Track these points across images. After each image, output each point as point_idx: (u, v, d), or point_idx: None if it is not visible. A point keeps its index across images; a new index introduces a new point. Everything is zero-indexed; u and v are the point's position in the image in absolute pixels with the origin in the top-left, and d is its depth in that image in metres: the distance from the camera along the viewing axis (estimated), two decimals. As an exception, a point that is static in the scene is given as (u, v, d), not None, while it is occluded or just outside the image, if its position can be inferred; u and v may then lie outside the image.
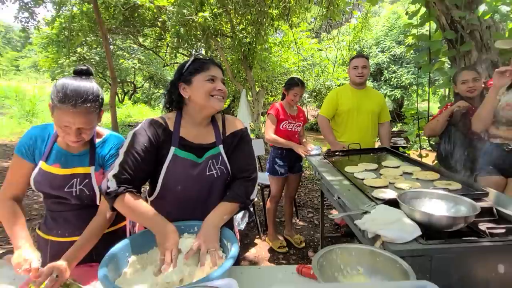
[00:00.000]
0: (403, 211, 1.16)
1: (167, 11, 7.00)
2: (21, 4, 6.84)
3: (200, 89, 1.12)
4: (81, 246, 1.11)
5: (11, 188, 1.21)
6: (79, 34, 9.27)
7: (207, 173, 1.14)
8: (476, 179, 1.88)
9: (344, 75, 9.74)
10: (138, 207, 1.05)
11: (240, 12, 6.98)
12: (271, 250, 2.82)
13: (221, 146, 1.19)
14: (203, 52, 9.75)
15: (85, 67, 1.18)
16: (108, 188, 1.03)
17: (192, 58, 1.17)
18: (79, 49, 11.86)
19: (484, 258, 1.03)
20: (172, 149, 1.11)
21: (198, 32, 7.05)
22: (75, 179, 1.21)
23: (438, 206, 1.24)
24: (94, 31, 9.44)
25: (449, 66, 3.05)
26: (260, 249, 2.86)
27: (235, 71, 8.57)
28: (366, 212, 1.22)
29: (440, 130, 2.30)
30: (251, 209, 3.18)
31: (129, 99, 16.46)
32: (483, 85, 2.14)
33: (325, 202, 2.58)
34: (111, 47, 11.85)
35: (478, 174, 1.90)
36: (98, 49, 11.76)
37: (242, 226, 3.13)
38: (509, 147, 1.78)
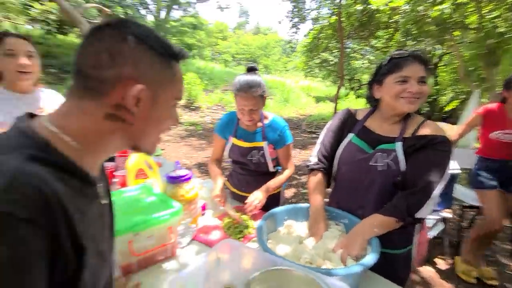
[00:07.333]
0: None
1: (401, 11, 6.24)
2: (293, 23, 8.90)
3: (389, 90, 0.97)
4: (271, 186, 1.34)
5: (214, 155, 1.52)
6: (324, 41, 10.17)
7: (370, 163, 1.00)
8: None
9: None
10: (312, 191, 1.10)
11: (494, -3, 5.03)
12: (449, 273, 2.11)
13: (399, 143, 0.98)
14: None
15: (252, 64, 1.32)
16: (309, 162, 1.17)
17: (388, 57, 1.00)
18: (323, 54, 12.52)
19: None
20: (350, 135, 1.09)
21: (431, 27, 5.81)
22: (254, 151, 1.39)
23: None
24: (336, 38, 9.99)
25: None
26: (436, 270, 2.17)
27: (470, 68, 6.43)
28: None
29: None
30: (444, 225, 2.27)
31: (354, 94, 16.47)
32: None
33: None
34: (347, 50, 12.09)
35: None
36: (335, 52, 12.20)
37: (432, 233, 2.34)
38: None
